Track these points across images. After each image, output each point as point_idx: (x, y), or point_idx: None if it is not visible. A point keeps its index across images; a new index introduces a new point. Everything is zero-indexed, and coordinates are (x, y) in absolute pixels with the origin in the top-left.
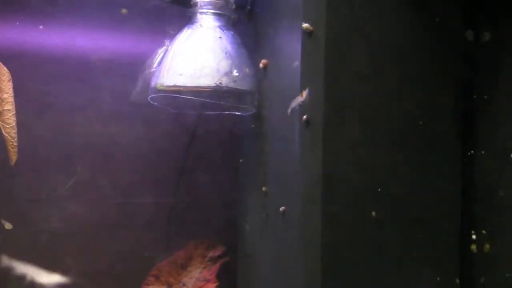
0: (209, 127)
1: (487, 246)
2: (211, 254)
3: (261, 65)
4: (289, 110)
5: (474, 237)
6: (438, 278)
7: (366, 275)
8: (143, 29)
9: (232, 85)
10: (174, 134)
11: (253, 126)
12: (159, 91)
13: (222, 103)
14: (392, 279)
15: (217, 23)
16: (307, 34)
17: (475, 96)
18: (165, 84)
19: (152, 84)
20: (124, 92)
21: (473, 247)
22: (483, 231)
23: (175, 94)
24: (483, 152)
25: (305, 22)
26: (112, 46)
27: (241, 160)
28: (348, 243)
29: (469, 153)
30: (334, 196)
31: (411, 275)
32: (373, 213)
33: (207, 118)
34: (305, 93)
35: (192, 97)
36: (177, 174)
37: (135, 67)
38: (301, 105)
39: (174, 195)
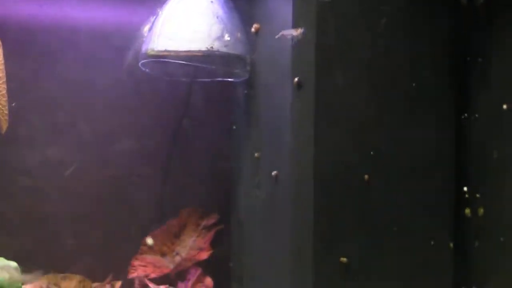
0: (202, 95)
1: (481, 210)
2: (204, 222)
3: (253, 29)
4: (279, 35)
5: (468, 201)
6: (432, 242)
7: (358, 237)
8: None
9: (223, 49)
10: (167, 102)
11: (245, 92)
12: (150, 56)
13: (213, 68)
14: (385, 242)
15: None
16: None
17: (469, 59)
18: (155, 49)
19: (143, 49)
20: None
21: (467, 211)
22: (477, 195)
23: (166, 59)
24: (477, 115)
25: None
26: (104, 16)
27: (234, 127)
28: (340, 206)
29: (463, 116)
30: (325, 158)
31: (404, 238)
32: (366, 176)
33: (200, 86)
34: (300, 30)
35: (183, 62)
36: (170, 142)
37: (129, 37)
38: (292, 39)
39: (167, 163)
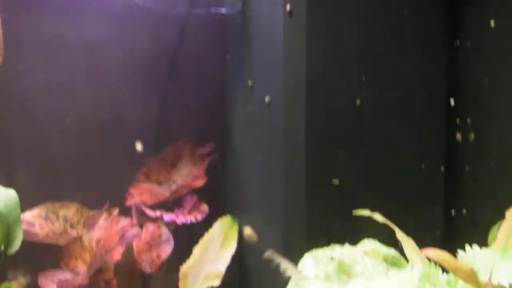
0: (196, 26)
1: (472, 135)
2: (200, 151)
3: None
4: None
5: (459, 126)
6: (423, 166)
7: (350, 160)
8: None
9: None
10: (161, 34)
11: (239, 23)
12: None
13: None
14: (376, 165)
15: None
16: None
17: None
18: None
19: None
20: None
21: (458, 136)
22: (468, 120)
23: None
24: (469, 42)
25: None
26: None
27: (228, 57)
28: (332, 130)
29: (455, 44)
30: (317, 83)
31: (395, 162)
32: (358, 100)
33: (194, 17)
34: None
35: None
36: (166, 73)
37: None
38: None
39: (163, 95)
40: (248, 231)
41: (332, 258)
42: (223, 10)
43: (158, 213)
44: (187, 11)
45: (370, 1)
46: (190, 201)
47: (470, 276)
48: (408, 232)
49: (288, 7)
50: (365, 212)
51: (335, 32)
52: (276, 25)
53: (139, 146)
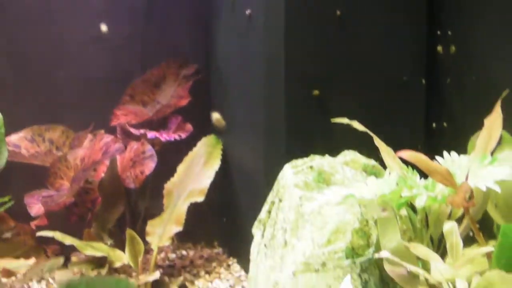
0: None
1: (453, 47)
2: (184, 72)
3: None
4: None
5: (439, 38)
6: (404, 78)
7: (330, 72)
8: None
9: None
10: None
11: None
12: None
13: None
14: (357, 77)
15: None
16: None
17: None
18: None
19: None
20: None
21: (439, 48)
22: (449, 32)
23: None
24: None
25: None
26: None
27: None
28: (312, 40)
29: None
30: None
31: (376, 73)
32: (337, 11)
33: None
34: None
35: None
36: None
37: None
38: None
39: (146, 14)
40: (216, 115)
41: (311, 168)
42: None
43: (142, 131)
44: None
45: None
46: (174, 121)
47: (447, 177)
48: (388, 145)
49: None
50: (344, 120)
51: None
52: None
53: (104, 28)
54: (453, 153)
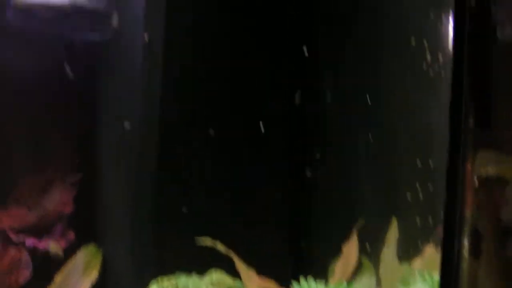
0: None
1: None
2: (69, 179)
3: None
4: None
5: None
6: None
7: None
8: None
9: None
10: None
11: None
12: None
13: None
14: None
15: None
16: None
17: None
18: None
19: None
20: None
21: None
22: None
23: None
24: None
25: None
26: None
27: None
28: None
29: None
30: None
31: (243, 195)
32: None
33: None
34: None
35: None
36: None
37: None
38: None
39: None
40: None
41: (177, 287)
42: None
43: (21, 237)
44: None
45: None
46: (59, 228)
47: None
48: (255, 261)
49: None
50: (207, 242)
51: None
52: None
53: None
54: (310, 280)
